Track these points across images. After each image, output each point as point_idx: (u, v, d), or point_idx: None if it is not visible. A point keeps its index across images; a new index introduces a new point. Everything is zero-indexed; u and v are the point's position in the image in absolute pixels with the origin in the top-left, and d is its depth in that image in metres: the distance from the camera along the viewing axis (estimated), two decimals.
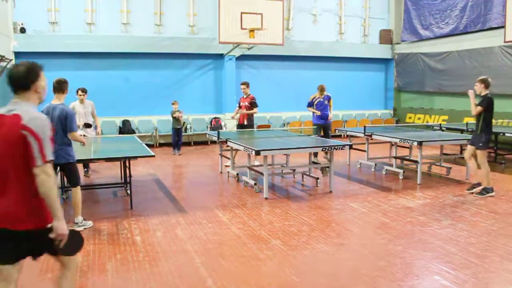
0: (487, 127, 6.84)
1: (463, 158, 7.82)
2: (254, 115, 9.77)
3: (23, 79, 2.62)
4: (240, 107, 9.79)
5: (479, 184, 7.05)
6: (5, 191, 2.57)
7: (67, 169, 5.40)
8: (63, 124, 5.21)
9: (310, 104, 9.84)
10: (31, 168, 2.51)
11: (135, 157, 6.48)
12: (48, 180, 2.51)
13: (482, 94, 6.82)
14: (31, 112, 2.58)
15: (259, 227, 5.48)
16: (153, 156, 6.30)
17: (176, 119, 11.64)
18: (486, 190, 6.90)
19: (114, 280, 4.04)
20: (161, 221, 5.75)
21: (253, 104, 9.55)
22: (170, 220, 5.83)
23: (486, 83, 6.81)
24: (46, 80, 2.77)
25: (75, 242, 2.75)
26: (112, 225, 5.61)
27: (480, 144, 6.89)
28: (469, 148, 7.14)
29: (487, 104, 6.74)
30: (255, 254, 4.61)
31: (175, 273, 4.13)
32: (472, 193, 7.01)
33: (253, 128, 9.82)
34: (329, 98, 9.82)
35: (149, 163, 9.89)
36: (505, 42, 11.37)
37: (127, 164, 6.83)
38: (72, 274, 2.88)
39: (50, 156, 2.55)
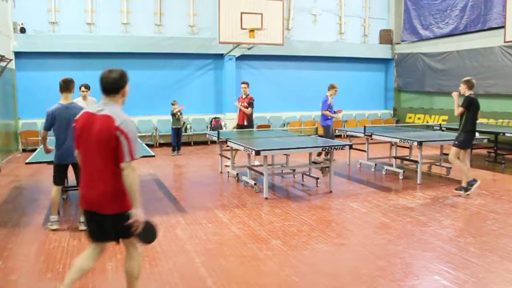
0: (467, 127, 6.87)
1: None
2: (254, 115, 9.82)
3: (114, 84, 3.04)
4: None
5: (466, 189, 7.03)
6: (94, 180, 3.01)
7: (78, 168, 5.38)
8: None
9: (326, 107, 9.73)
10: (118, 162, 2.92)
11: None
12: (133, 173, 2.92)
13: (466, 94, 6.86)
14: (121, 114, 2.97)
15: (259, 227, 5.48)
16: (153, 156, 6.30)
17: (176, 118, 11.62)
18: (471, 184, 6.91)
19: (114, 280, 4.04)
20: (161, 221, 5.74)
21: (250, 105, 9.60)
22: (170, 220, 5.83)
23: (469, 84, 6.85)
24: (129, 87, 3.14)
25: (150, 231, 3.09)
26: None
27: (456, 143, 6.96)
28: (462, 151, 7.11)
29: (467, 104, 6.77)
30: (255, 254, 4.61)
31: (175, 273, 4.13)
32: (463, 194, 7.00)
33: (253, 128, 9.84)
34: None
35: (149, 163, 9.88)
36: (505, 42, 11.38)
37: None
38: (138, 255, 3.27)
39: (137, 155, 2.95)
